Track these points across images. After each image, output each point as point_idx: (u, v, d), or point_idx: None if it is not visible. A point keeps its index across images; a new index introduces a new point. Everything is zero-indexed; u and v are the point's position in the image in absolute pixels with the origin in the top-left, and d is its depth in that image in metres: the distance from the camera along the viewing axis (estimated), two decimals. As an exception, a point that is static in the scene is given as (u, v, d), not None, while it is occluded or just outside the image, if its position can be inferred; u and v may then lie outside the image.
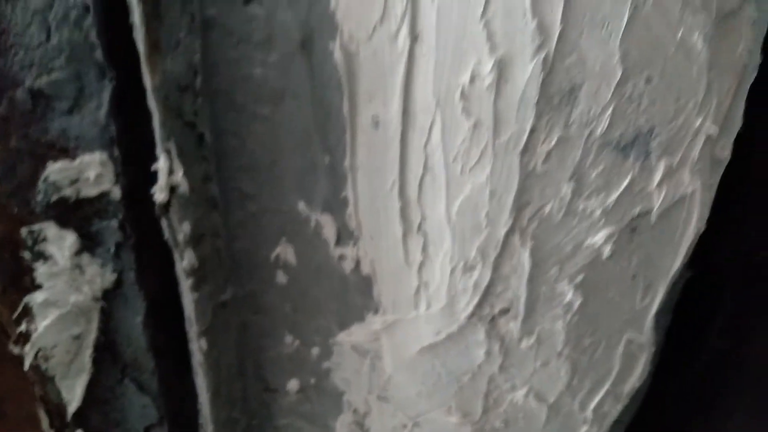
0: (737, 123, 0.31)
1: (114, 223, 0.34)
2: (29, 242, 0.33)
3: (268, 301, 0.39)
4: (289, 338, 0.40)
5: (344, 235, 0.35)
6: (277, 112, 0.33)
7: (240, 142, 0.34)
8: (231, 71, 0.32)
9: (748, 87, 0.30)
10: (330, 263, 0.37)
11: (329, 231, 0.36)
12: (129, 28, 0.29)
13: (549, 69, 0.28)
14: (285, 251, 0.37)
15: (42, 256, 0.33)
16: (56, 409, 0.39)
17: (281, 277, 0.38)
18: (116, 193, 0.33)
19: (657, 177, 0.31)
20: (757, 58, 0.30)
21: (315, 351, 0.40)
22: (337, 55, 0.30)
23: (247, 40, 0.31)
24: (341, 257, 0.36)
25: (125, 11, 0.29)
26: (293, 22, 0.30)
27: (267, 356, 0.41)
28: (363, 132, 0.32)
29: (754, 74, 0.30)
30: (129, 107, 0.32)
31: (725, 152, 0.31)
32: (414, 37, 0.29)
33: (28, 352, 0.35)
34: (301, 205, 0.35)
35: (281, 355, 0.41)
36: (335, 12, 0.29)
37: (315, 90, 0.32)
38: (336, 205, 0.35)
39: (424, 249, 0.34)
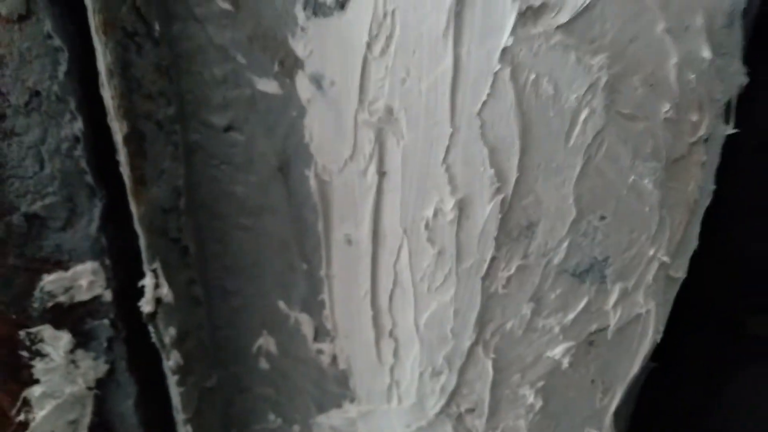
0: (692, 246, 0.32)
1: (106, 322, 0.36)
2: (27, 343, 0.35)
3: (251, 383, 0.41)
4: (272, 416, 0.43)
5: (321, 333, 0.38)
6: (258, 223, 0.35)
7: (223, 247, 0.36)
8: (213, 188, 0.34)
9: (702, 214, 0.32)
10: (309, 356, 0.39)
11: (307, 328, 0.38)
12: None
13: (507, 208, 0.30)
14: (267, 342, 0.39)
15: (39, 354, 0.36)
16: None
17: (264, 364, 0.40)
18: (107, 295, 0.36)
19: (612, 299, 0.32)
20: (710, 189, 0.31)
21: (296, 428, 0.43)
22: (312, 181, 0.32)
23: (228, 162, 0.33)
24: (319, 351, 0.38)
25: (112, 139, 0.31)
26: (270, 150, 0.32)
27: (252, 429, 0.44)
28: (337, 247, 0.34)
29: (708, 200, 0.32)
30: (118, 217, 0.34)
31: (679, 273, 0.33)
32: (381, 174, 0.31)
33: (27, 439, 0.38)
34: (281, 304, 0.37)
35: (265, 429, 0.43)
36: (309, 144, 0.31)
37: (292, 208, 0.34)
38: (313, 306, 0.37)
39: (396, 352, 0.36)
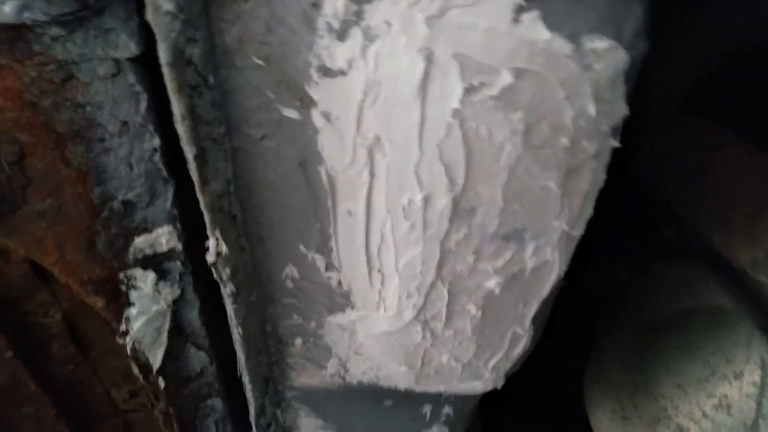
0: (588, 214, 0.47)
1: (178, 263, 0.52)
2: (125, 281, 0.51)
3: (280, 297, 0.58)
4: (295, 316, 0.60)
5: (330, 267, 0.53)
6: (284, 197, 0.49)
7: (260, 211, 0.50)
8: (253, 176, 0.47)
9: (595, 196, 0.46)
10: (321, 280, 0.55)
11: (320, 263, 0.53)
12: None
13: (457, 200, 0.44)
14: (291, 270, 0.55)
15: (133, 287, 0.52)
16: (144, 366, 0.59)
17: (289, 284, 0.56)
18: (179, 247, 0.50)
19: (528, 253, 0.48)
20: (602, 179, 0.45)
21: (313, 324, 0.60)
22: (323, 174, 0.46)
23: (263, 159, 0.46)
24: (329, 278, 0.54)
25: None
26: (293, 152, 0.45)
27: (280, 325, 0.61)
28: (341, 216, 0.48)
29: (600, 187, 0.46)
30: (183, 196, 0.48)
31: (577, 233, 0.48)
32: (372, 175, 0.44)
33: (128, 342, 0.55)
34: (302, 247, 0.52)
35: (290, 325, 0.61)
36: (321, 152, 0.44)
37: (309, 189, 0.47)
38: (324, 250, 0.52)
39: (382, 282, 0.52)
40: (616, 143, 0.42)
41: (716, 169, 0.54)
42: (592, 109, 0.39)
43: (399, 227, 0.47)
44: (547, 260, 0.49)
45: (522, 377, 1.09)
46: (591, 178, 0.44)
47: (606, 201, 0.48)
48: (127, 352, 0.62)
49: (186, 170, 0.45)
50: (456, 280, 0.50)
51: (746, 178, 0.51)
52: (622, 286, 0.96)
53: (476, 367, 0.59)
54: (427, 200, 0.44)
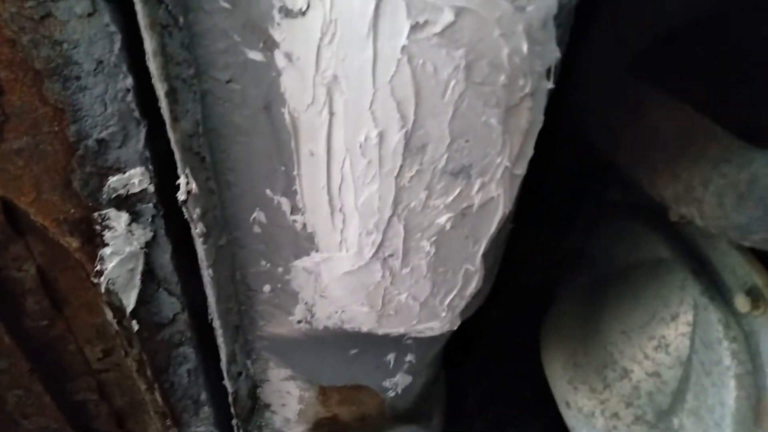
0: (529, 154, 0.52)
1: (150, 205, 0.55)
2: (99, 220, 0.54)
3: (248, 242, 0.61)
4: (263, 262, 0.64)
5: (295, 209, 0.57)
6: (250, 141, 0.52)
7: (227, 155, 0.54)
8: (220, 119, 0.51)
9: (535, 136, 0.51)
10: (287, 224, 0.59)
11: (286, 206, 0.57)
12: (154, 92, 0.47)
13: (408, 137, 0.48)
14: (259, 215, 0.59)
15: (108, 228, 0.55)
16: (118, 310, 0.62)
17: (257, 229, 0.60)
18: (151, 189, 0.54)
19: (475, 188, 0.53)
20: (540, 120, 0.50)
21: (280, 270, 0.64)
22: (286, 116, 0.49)
23: (230, 102, 0.50)
24: (294, 221, 0.58)
25: (152, 89, 0.47)
26: (258, 95, 0.49)
27: (249, 272, 0.65)
28: (304, 157, 0.52)
29: (540, 126, 0.51)
30: (154, 139, 0.51)
31: (520, 171, 0.53)
32: (331, 114, 0.48)
33: (102, 282, 0.57)
34: (268, 191, 0.56)
35: (258, 272, 0.65)
36: (284, 93, 0.48)
37: (274, 132, 0.51)
38: (290, 193, 0.56)
39: (344, 221, 0.56)
40: (550, 84, 0.47)
41: (645, 120, 0.59)
42: (525, 48, 0.44)
43: (357, 165, 0.51)
44: (492, 196, 0.54)
45: (485, 340, 1.15)
46: (529, 117, 0.49)
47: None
48: (100, 296, 0.64)
49: (157, 114, 0.49)
50: (410, 216, 0.54)
51: (670, 126, 0.56)
52: (576, 251, 1.02)
53: (433, 306, 0.64)
54: (381, 137, 0.48)
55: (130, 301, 0.61)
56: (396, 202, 0.53)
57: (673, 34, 0.75)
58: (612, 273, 0.88)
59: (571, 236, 1.08)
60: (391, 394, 0.82)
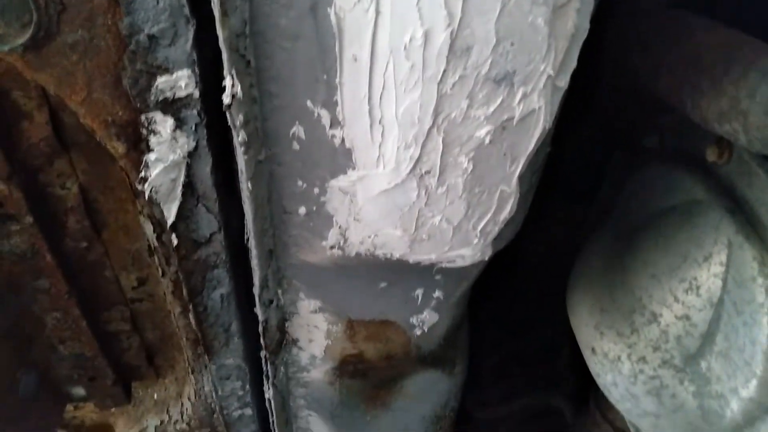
0: (572, 65, 0.52)
1: (194, 111, 0.56)
2: (146, 123, 0.55)
3: (287, 159, 0.62)
4: (299, 182, 0.64)
5: (335, 123, 0.58)
6: (294, 46, 0.53)
7: (270, 62, 0.54)
8: (266, 21, 0.51)
9: (579, 45, 0.51)
10: (326, 139, 0.59)
11: (326, 119, 0.58)
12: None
13: (454, 37, 0.48)
14: (298, 130, 0.59)
15: (153, 132, 0.56)
16: (158, 223, 0.64)
17: (295, 146, 0.61)
18: (196, 94, 0.55)
19: (518, 98, 0.53)
20: (585, 27, 0.50)
21: (316, 190, 0.65)
22: (332, 16, 0.50)
23: (277, 3, 0.50)
24: (333, 136, 0.59)
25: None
26: (305, -5, 0.49)
27: (285, 192, 0.66)
28: (347, 62, 0.53)
29: (585, 35, 0.51)
30: (202, 43, 0.52)
31: (562, 83, 0.53)
32: (377, 12, 0.48)
33: (146, 189, 0.59)
34: (308, 103, 0.57)
35: (294, 192, 0.65)
36: (331, -8, 0.49)
37: (318, 35, 0.52)
38: (330, 104, 0.56)
39: (383, 134, 0.57)
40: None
41: (688, 43, 0.59)
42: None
43: (400, 69, 0.51)
44: (534, 108, 0.54)
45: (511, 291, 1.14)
46: (576, 20, 0.49)
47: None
48: (141, 210, 0.66)
49: (205, 16, 0.50)
50: (450, 127, 0.55)
51: (715, 45, 0.56)
52: (607, 200, 1.01)
53: (466, 231, 0.64)
54: (426, 36, 0.49)
55: (171, 214, 0.62)
56: (436, 112, 0.54)
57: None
58: (643, 221, 0.87)
59: (599, 195, 1.08)
60: (418, 332, 0.83)
